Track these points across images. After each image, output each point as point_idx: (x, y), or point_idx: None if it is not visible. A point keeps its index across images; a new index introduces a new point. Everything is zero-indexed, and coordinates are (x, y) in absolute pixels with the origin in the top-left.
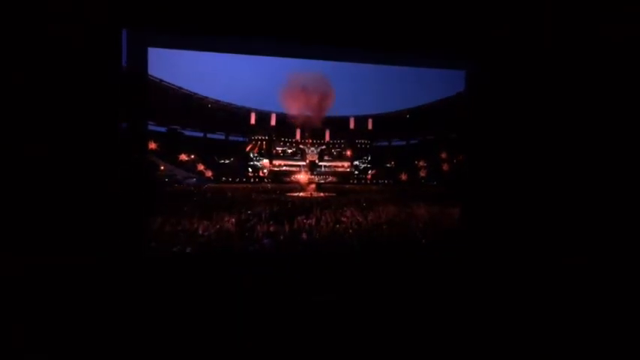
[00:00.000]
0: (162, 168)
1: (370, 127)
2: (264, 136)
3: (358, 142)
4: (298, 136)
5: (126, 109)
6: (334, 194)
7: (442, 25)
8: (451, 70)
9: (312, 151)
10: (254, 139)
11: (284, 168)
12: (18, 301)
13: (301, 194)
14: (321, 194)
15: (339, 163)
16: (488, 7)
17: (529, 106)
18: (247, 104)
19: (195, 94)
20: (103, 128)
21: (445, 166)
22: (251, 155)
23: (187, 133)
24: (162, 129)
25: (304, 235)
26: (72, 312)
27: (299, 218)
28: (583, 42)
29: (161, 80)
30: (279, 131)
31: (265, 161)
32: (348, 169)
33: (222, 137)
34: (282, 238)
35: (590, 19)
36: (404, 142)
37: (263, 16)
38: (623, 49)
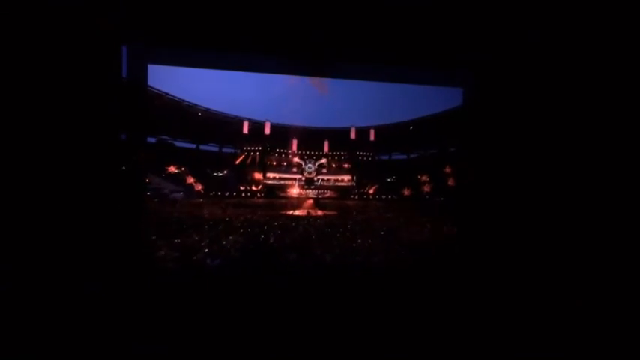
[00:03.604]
0: (147, 181)
1: (372, 138)
2: (258, 146)
3: (360, 155)
4: (294, 147)
5: (125, 122)
6: (336, 213)
7: (441, 41)
8: (450, 86)
9: (310, 167)
10: (246, 150)
11: (279, 182)
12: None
13: (297, 213)
14: (320, 213)
15: (339, 177)
16: (484, 24)
17: (520, 118)
18: (240, 114)
19: (183, 100)
20: (101, 138)
21: (450, 181)
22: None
23: (179, 144)
24: (152, 139)
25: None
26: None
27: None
28: (578, 52)
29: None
30: (274, 141)
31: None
32: (349, 184)
33: (216, 149)
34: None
35: (586, 30)
36: (405, 157)
37: (261, 34)
38: (618, 62)
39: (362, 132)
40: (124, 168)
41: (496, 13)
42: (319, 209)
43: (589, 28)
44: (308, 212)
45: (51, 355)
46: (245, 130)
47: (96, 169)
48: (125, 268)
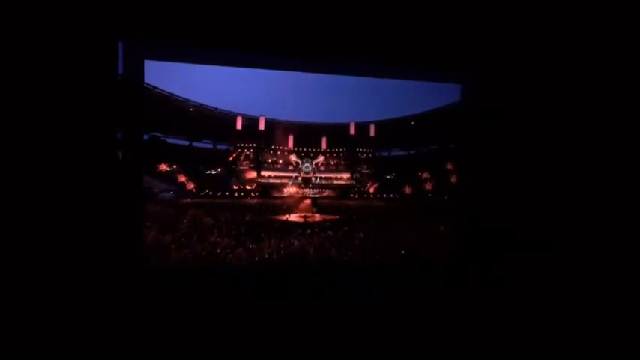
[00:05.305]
0: None
1: (373, 134)
2: (252, 143)
3: (360, 151)
4: (291, 144)
5: (122, 119)
6: (337, 217)
7: (441, 41)
8: (448, 82)
9: (307, 167)
10: (239, 147)
11: (274, 181)
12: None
13: (292, 218)
14: (317, 217)
15: (338, 175)
16: (484, 24)
17: (519, 118)
18: (234, 109)
19: (172, 95)
20: (100, 136)
21: (453, 179)
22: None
23: (171, 141)
24: (145, 136)
25: None
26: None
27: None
28: (578, 52)
29: None
30: (269, 138)
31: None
32: (349, 182)
33: (210, 146)
34: None
35: (586, 30)
36: (404, 153)
37: (261, 32)
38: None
39: (362, 127)
40: (122, 166)
41: (496, 13)
42: (317, 212)
43: (589, 28)
44: (305, 217)
45: (51, 355)
46: (239, 126)
47: (94, 167)
48: (125, 268)
